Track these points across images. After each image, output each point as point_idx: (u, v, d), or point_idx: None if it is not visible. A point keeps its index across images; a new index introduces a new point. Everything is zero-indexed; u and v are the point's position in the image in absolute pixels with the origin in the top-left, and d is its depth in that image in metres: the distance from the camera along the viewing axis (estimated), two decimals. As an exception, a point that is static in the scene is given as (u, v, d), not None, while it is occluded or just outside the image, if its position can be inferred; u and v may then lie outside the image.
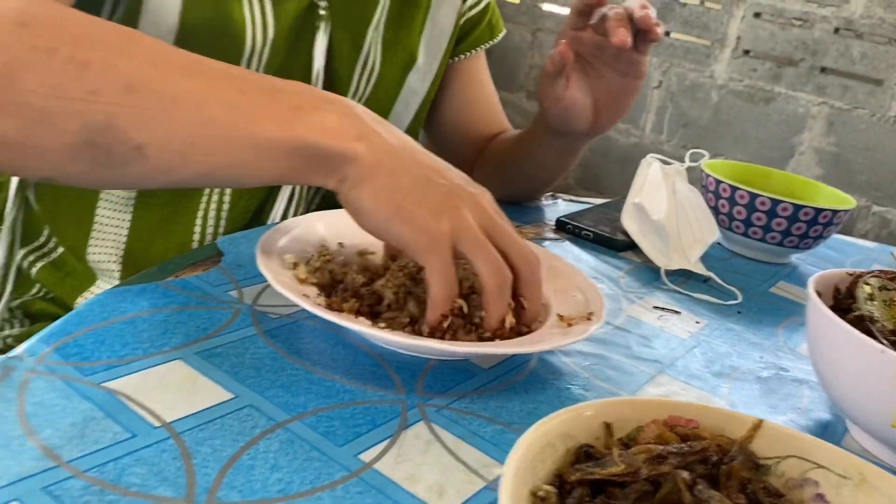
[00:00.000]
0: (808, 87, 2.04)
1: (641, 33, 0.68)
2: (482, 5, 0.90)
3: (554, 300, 0.58)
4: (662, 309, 0.68)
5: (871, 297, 0.52)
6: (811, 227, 0.81)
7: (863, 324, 0.50)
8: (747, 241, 0.85)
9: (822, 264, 0.90)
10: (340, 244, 0.61)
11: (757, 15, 2.10)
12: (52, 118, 0.43)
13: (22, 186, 0.72)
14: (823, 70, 2.02)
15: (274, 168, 0.48)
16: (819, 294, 0.54)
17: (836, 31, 1.98)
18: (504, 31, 0.95)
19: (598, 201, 0.97)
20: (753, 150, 2.15)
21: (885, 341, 0.47)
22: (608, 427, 0.39)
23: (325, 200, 0.83)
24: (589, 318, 0.55)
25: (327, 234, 0.62)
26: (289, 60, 0.71)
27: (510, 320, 0.50)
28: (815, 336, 0.51)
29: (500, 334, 0.50)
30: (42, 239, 0.74)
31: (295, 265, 0.56)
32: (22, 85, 0.42)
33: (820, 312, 0.50)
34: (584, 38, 0.72)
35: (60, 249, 0.74)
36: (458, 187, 0.50)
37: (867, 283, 0.53)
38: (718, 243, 0.90)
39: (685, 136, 2.27)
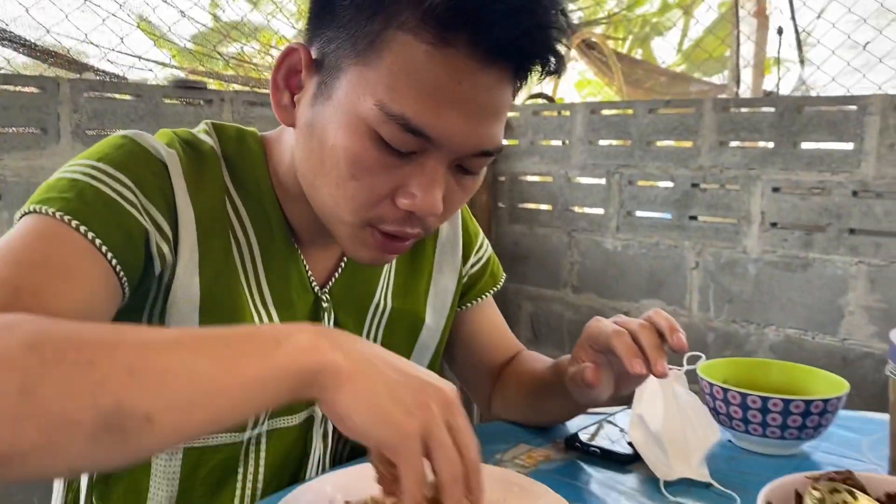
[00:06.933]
0: (841, 249, 2.08)
1: (670, 346, 0.78)
2: (482, 262, 1.02)
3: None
4: (658, 524, 0.71)
5: (821, 502, 0.56)
6: (806, 418, 0.84)
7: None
8: (751, 437, 0.88)
9: (835, 449, 0.92)
10: (347, 502, 0.69)
11: (776, 189, 2.19)
12: (69, 415, 0.50)
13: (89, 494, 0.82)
14: (852, 231, 2.06)
15: (269, 398, 0.55)
16: (773, 504, 0.58)
17: (855, 194, 2.05)
18: (504, 276, 1.05)
19: (615, 410, 1.02)
20: (803, 316, 2.16)
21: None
22: None
23: (354, 452, 0.90)
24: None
25: (334, 492, 0.70)
26: None
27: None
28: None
29: None
30: None
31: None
32: (39, 396, 0.50)
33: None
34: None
35: None
36: (427, 385, 0.58)
37: (815, 489, 0.57)
38: (730, 441, 0.93)
39: (732, 310, 2.30)
